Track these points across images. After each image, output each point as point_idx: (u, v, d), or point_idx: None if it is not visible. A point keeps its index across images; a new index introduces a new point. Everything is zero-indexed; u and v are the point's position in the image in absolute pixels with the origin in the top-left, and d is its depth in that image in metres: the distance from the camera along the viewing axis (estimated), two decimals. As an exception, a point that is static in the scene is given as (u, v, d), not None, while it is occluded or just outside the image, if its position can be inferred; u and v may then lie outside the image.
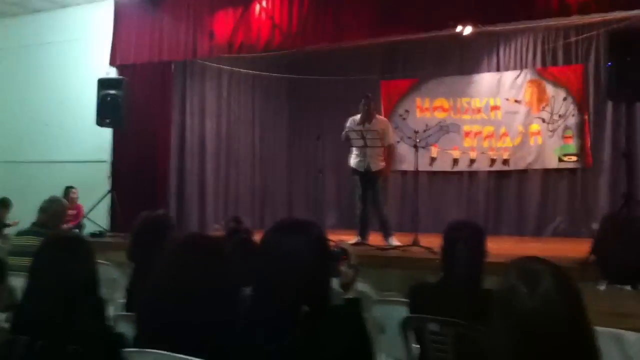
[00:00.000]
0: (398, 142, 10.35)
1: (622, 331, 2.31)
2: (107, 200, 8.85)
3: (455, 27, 8.16)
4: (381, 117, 8.19)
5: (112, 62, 9.31)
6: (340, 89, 10.65)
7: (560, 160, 9.42)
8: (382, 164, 7.72)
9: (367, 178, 7.68)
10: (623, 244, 2.55)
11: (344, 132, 7.71)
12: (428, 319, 2.82)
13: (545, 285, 1.56)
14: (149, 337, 2.19)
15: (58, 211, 5.54)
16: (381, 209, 7.69)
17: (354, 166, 7.79)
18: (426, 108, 10.39)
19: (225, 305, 2.21)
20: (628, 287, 2.48)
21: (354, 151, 7.77)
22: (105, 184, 8.99)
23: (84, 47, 9.72)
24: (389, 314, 3.31)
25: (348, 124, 7.79)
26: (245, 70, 10.20)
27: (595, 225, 7.69)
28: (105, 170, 9.15)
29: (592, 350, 1.59)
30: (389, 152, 7.80)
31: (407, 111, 10.50)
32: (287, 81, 10.92)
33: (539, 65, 9.66)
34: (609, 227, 2.77)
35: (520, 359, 1.55)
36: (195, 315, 2.14)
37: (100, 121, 8.72)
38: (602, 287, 2.55)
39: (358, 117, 7.76)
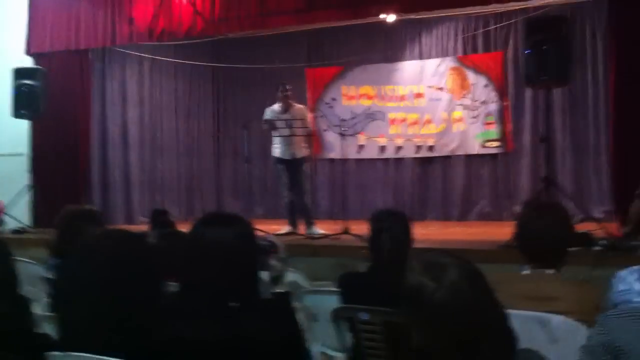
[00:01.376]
0: (325, 130, 10.43)
1: (547, 314, 2.37)
2: (27, 195, 8.51)
3: (379, 14, 8.24)
4: (299, 105, 8.19)
5: (28, 51, 8.96)
6: (266, 77, 10.59)
7: (482, 146, 9.65)
8: (307, 151, 7.86)
9: (293, 165, 7.71)
10: (544, 227, 2.62)
11: (265, 122, 7.67)
12: (358, 309, 2.84)
13: (450, 277, 1.59)
14: (72, 338, 2.12)
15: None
16: (303, 197, 7.74)
17: (278, 155, 7.81)
18: (352, 96, 10.45)
19: (149, 300, 2.16)
20: (551, 271, 2.55)
21: (277, 140, 7.79)
22: (24, 178, 8.66)
23: (-3, 35, 9.31)
24: (320, 303, 3.32)
25: (267, 114, 7.78)
26: (167, 59, 9.99)
27: (517, 209, 7.93)
28: (23, 163, 8.81)
29: (507, 332, 1.64)
30: (311, 139, 7.87)
31: (333, 99, 10.53)
32: (211, 69, 10.77)
33: (460, 53, 9.85)
34: (531, 211, 2.84)
35: (439, 349, 1.58)
36: (118, 312, 2.08)
37: (17, 112, 8.37)
38: (526, 271, 2.61)
39: (276, 106, 7.80)
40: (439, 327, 1.58)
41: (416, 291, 1.62)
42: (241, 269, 2.14)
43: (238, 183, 10.79)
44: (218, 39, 9.43)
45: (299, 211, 7.76)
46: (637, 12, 6.14)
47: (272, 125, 7.60)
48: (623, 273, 2.44)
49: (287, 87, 7.87)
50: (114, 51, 9.36)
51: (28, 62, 8.91)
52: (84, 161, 8.84)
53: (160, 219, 5.51)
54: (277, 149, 7.81)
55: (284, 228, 7.64)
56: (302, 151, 7.77)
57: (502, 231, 5.98)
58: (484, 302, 1.61)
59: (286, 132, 7.59)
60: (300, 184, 7.75)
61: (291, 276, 3.86)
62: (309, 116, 8.17)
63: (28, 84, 8.29)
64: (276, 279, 2.47)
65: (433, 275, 1.60)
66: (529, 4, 8.30)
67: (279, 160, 7.82)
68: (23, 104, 8.30)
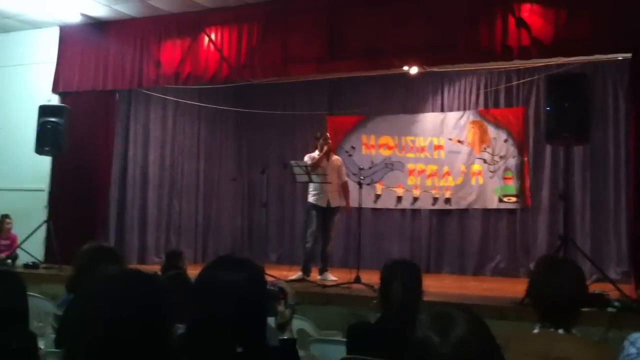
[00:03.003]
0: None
1: (555, 374, 2.32)
2: (42, 231, 8.57)
3: (402, 66, 8.33)
4: (335, 156, 8.39)
5: (55, 89, 9.15)
6: (287, 123, 10.71)
7: (500, 200, 9.61)
8: (340, 200, 7.99)
9: (327, 214, 7.85)
10: (557, 286, 2.58)
11: (304, 167, 7.72)
12: (365, 359, 2.80)
13: (457, 332, 1.56)
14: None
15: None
16: (327, 245, 7.90)
17: (313, 202, 7.92)
18: (372, 145, 10.50)
19: (158, 342, 2.14)
20: (561, 330, 2.50)
21: (313, 187, 7.88)
22: (43, 213, 8.73)
23: (26, 73, 9.51)
24: (327, 353, 3.29)
25: (306, 160, 7.87)
26: (191, 102, 10.14)
27: (532, 266, 7.84)
28: (43, 199, 8.89)
29: None
30: (345, 189, 8.00)
31: (353, 147, 10.58)
32: (233, 113, 10.90)
33: (481, 106, 9.90)
34: (543, 268, 2.80)
35: None
36: (125, 353, 2.07)
37: (40, 149, 8.49)
38: (536, 330, 2.57)
39: (316, 154, 7.86)
40: None
41: (422, 344, 1.60)
42: (249, 314, 2.12)
43: (254, 227, 10.79)
44: (242, 84, 9.57)
45: (320, 257, 7.86)
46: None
47: (308, 170, 7.66)
48: (635, 336, 2.40)
49: (327, 136, 8.06)
50: (140, 92, 9.52)
51: (54, 100, 9.07)
52: (102, 199, 8.89)
53: (173, 261, 5.51)
54: (313, 196, 7.94)
55: (297, 274, 7.64)
56: (336, 200, 7.94)
57: (517, 288, 5.90)
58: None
59: (321, 179, 7.71)
60: (329, 232, 7.92)
61: (299, 324, 3.84)
62: (344, 169, 8.34)
63: (52, 121, 8.41)
64: (283, 326, 2.44)
65: (440, 329, 1.58)
66: (552, 61, 8.36)
67: (314, 207, 7.92)
68: (46, 140, 8.42)
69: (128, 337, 2.07)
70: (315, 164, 7.74)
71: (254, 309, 2.13)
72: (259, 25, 7.88)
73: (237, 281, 2.10)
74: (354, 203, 7.99)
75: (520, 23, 6.58)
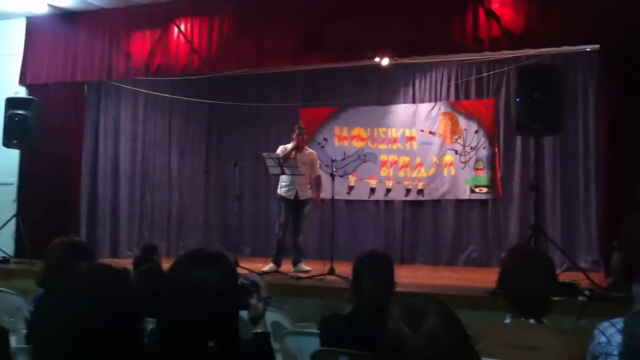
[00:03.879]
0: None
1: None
2: (12, 225, 8.44)
3: (374, 58, 8.34)
4: (310, 149, 8.44)
5: (22, 81, 8.99)
6: (260, 115, 10.67)
7: (472, 191, 9.68)
8: (310, 193, 8.02)
9: (295, 206, 7.91)
10: (527, 275, 2.60)
11: (275, 159, 7.72)
12: (339, 352, 2.81)
13: (428, 324, 1.58)
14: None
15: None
16: (299, 236, 7.94)
17: (283, 194, 7.96)
18: (344, 137, 10.51)
19: (129, 338, 2.12)
20: (532, 320, 2.52)
21: (283, 179, 7.96)
22: (12, 207, 8.60)
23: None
24: (302, 345, 3.29)
25: (279, 151, 7.86)
26: (162, 94, 10.04)
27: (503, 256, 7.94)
28: (12, 193, 8.75)
29: None
30: (317, 183, 8.02)
31: (325, 139, 10.58)
32: (206, 105, 10.81)
33: (452, 98, 9.96)
34: (513, 259, 2.83)
35: None
36: (96, 348, 2.05)
37: (7, 142, 8.36)
38: (507, 320, 2.59)
39: (289, 145, 7.86)
40: None
41: (394, 337, 1.61)
42: (222, 309, 2.12)
43: (227, 220, 10.75)
44: (214, 76, 9.50)
45: (293, 249, 7.90)
46: (627, 64, 6.23)
47: (281, 162, 7.66)
48: (604, 325, 2.43)
49: (301, 129, 8.09)
50: (110, 85, 9.40)
51: (22, 92, 8.93)
52: (73, 193, 8.79)
53: (147, 255, 5.46)
54: (282, 188, 8.02)
55: (268, 265, 7.68)
56: (305, 193, 7.96)
57: (491, 277, 5.89)
58: (460, 351, 1.60)
59: (292, 171, 7.74)
60: (299, 224, 7.96)
61: (273, 316, 3.83)
62: (317, 161, 8.36)
63: (20, 114, 8.28)
64: (256, 319, 2.43)
65: (411, 322, 1.59)
66: (522, 53, 8.43)
67: (282, 199, 8.01)
68: (14, 133, 8.29)
69: (99, 333, 2.05)
70: (285, 156, 7.74)
71: (226, 303, 2.12)
72: (232, 17, 7.81)
73: (209, 276, 2.09)
74: (327, 195, 8.00)
75: (491, 14, 6.63)
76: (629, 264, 5.27)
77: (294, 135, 7.99)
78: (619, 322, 2.43)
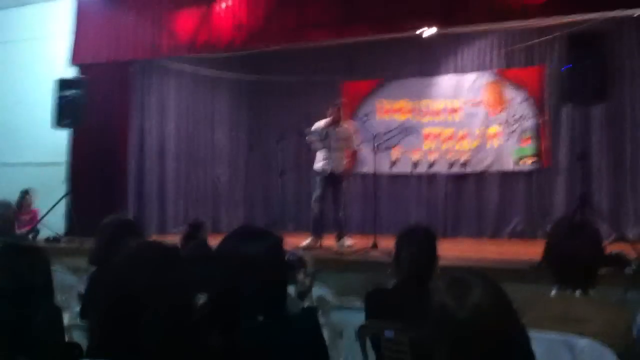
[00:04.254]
0: (358, 145, 10.43)
1: (574, 337, 2.34)
2: (62, 204, 8.66)
3: (417, 28, 8.24)
4: (350, 122, 8.38)
5: (73, 62, 9.14)
6: (303, 90, 10.66)
7: (517, 162, 9.55)
8: (347, 166, 7.98)
9: (331, 180, 7.87)
10: (574, 247, 2.59)
11: (311, 136, 7.75)
12: (383, 326, 2.84)
13: (473, 298, 1.59)
14: (101, 347, 2.16)
15: (6, 216, 5.43)
16: (339, 211, 7.88)
17: (318, 169, 7.94)
18: (387, 110, 10.45)
19: (180, 313, 2.19)
20: (578, 292, 2.51)
21: (321, 154, 7.90)
22: (62, 187, 8.81)
23: (41, 46, 9.55)
24: (347, 319, 3.32)
25: (314, 127, 7.90)
26: (206, 71, 10.11)
27: (548, 228, 7.83)
28: (62, 172, 8.97)
29: (529, 356, 1.64)
30: (353, 157, 7.99)
31: (367, 114, 10.48)
32: (247, 81, 10.86)
33: (499, 67, 9.76)
34: (561, 230, 2.80)
35: None
36: (149, 323, 2.11)
37: (59, 122, 8.54)
38: (553, 292, 2.58)
39: (325, 120, 7.87)
40: (461, 347, 1.59)
41: (439, 311, 1.63)
42: (270, 284, 2.17)
43: (271, 196, 10.84)
44: (256, 52, 9.52)
45: (334, 224, 7.87)
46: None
47: (315, 138, 7.68)
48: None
49: (338, 103, 8.06)
50: (154, 64, 9.51)
51: (71, 73, 9.09)
52: (121, 171, 8.96)
53: (194, 232, 5.55)
54: (318, 163, 7.99)
55: (307, 240, 7.71)
56: (342, 166, 7.91)
57: (536, 250, 5.86)
58: (506, 325, 1.61)
59: (327, 145, 7.72)
60: (337, 199, 7.90)
61: (319, 291, 3.87)
62: (357, 135, 8.28)
63: (70, 95, 8.45)
64: (303, 294, 2.48)
65: (456, 295, 1.61)
66: (571, 19, 8.20)
67: (318, 174, 7.98)
68: (65, 113, 8.47)
69: (151, 308, 2.12)
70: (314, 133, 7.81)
71: (273, 278, 2.17)
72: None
73: (257, 252, 2.14)
74: (370, 169, 7.98)
75: (539, -20, 6.47)
76: None
77: (329, 111, 7.97)
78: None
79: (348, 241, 7.73)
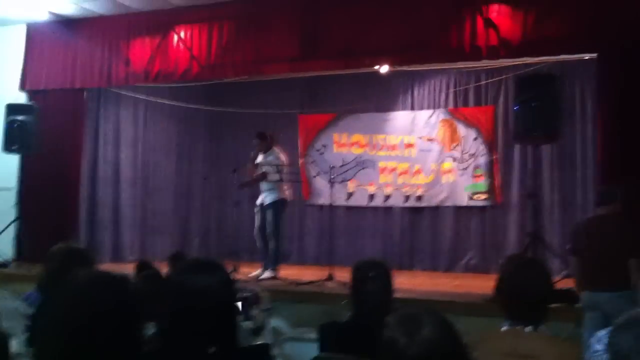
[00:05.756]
0: (315, 176, 10.49)
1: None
2: (12, 230, 8.47)
3: (373, 65, 8.38)
4: (274, 150, 8.33)
5: (22, 87, 9.04)
6: (259, 122, 10.67)
7: (470, 198, 9.70)
8: (273, 196, 8.03)
9: (263, 211, 8.05)
10: (524, 282, 2.62)
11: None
12: (337, 358, 2.83)
13: (424, 333, 1.59)
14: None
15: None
16: (267, 243, 8.03)
17: (289, 198, 8.06)
18: (343, 143, 10.53)
19: (130, 342, 2.14)
20: (529, 328, 2.54)
21: (285, 185, 7.95)
22: (11, 212, 8.62)
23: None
24: (301, 351, 3.30)
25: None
26: (161, 101, 10.07)
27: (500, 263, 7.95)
28: (12, 198, 8.78)
29: None
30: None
31: (324, 146, 10.60)
32: (205, 112, 10.83)
33: (451, 105, 9.98)
34: (512, 266, 2.85)
35: None
36: (98, 353, 2.06)
37: (8, 147, 8.39)
38: (504, 327, 2.61)
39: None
40: None
41: (390, 346, 1.63)
42: (221, 316, 2.14)
43: (226, 226, 10.76)
44: (213, 83, 9.53)
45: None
46: (625, 74, 6.26)
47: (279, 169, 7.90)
48: (601, 333, 2.44)
49: (254, 140, 8.20)
50: (109, 91, 9.44)
51: (22, 98, 8.96)
52: (73, 198, 8.81)
53: (143, 260, 5.46)
54: (288, 192, 8.14)
55: (258, 271, 7.71)
56: (267, 198, 7.96)
57: (489, 284, 5.88)
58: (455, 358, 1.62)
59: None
60: (262, 229, 8.00)
61: (273, 322, 3.84)
62: (282, 156, 8.18)
63: (20, 120, 8.34)
64: (258, 330, 2.46)
65: (407, 331, 1.61)
66: (520, 61, 8.45)
67: (285, 202, 8.10)
68: (14, 139, 8.34)
69: (100, 338, 2.07)
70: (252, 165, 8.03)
71: (225, 311, 2.15)
72: (231, 24, 7.88)
73: (209, 285, 2.12)
74: (326, 201, 7.98)
75: (489, 24, 6.67)
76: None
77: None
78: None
79: (266, 273, 7.70)
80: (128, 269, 4.82)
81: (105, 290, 2.19)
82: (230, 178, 8.72)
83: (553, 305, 2.75)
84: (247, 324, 2.37)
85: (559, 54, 7.35)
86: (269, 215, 7.84)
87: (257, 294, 2.42)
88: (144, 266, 4.94)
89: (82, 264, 3.36)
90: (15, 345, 3.27)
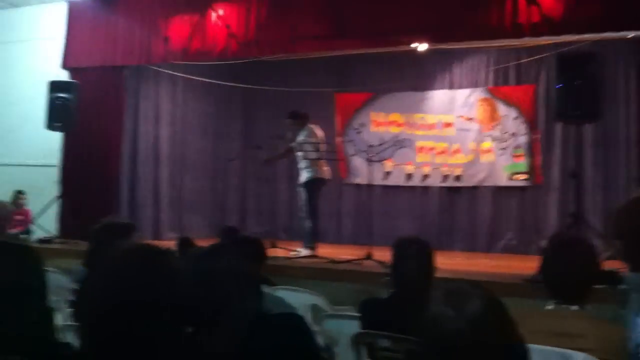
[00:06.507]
0: (352, 155, 10.46)
1: (570, 351, 2.33)
2: (56, 206, 8.63)
3: (410, 43, 8.28)
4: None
5: (64, 65, 9.15)
6: (296, 100, 10.65)
7: (510, 178, 9.58)
8: (307, 175, 7.89)
9: (298, 191, 8.01)
10: (570, 263, 2.59)
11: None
12: (379, 335, 2.83)
13: (471, 308, 1.57)
14: (92, 350, 2.13)
15: (2, 216, 5.41)
16: (303, 221, 7.95)
17: (327, 176, 7.92)
18: (381, 122, 10.47)
19: (170, 318, 2.16)
20: (575, 307, 2.51)
21: (322, 162, 7.84)
22: (54, 189, 8.78)
23: (34, 49, 9.52)
24: (341, 328, 3.31)
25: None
26: (199, 78, 10.11)
27: (544, 243, 7.84)
28: (54, 175, 8.94)
29: None
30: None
31: (362, 125, 10.56)
32: (241, 90, 10.84)
33: (490, 84, 9.84)
34: (556, 246, 2.80)
35: None
36: (137, 329, 2.09)
37: (51, 125, 8.53)
38: (550, 307, 2.58)
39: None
40: (458, 357, 1.57)
41: (436, 320, 1.61)
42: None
43: (264, 203, 10.82)
44: (250, 61, 9.52)
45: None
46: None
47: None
48: (647, 314, 2.41)
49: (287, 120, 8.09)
50: (148, 69, 9.50)
51: (64, 76, 9.07)
52: (114, 175, 8.94)
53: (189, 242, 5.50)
54: (325, 169, 7.96)
55: (306, 251, 7.69)
56: (302, 176, 7.87)
57: (528, 265, 5.91)
58: (505, 336, 1.60)
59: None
60: (301, 207, 7.93)
61: (312, 299, 3.86)
62: (318, 132, 7.99)
63: (62, 97, 8.45)
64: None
65: (454, 305, 1.59)
66: (562, 39, 8.26)
67: (324, 182, 8.01)
68: (57, 116, 8.46)
69: (143, 311, 2.09)
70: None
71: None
72: (268, 2, 7.84)
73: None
74: (363, 180, 7.94)
75: (531, 0, 6.52)
76: None
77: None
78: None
79: (303, 252, 7.63)
80: (169, 246, 4.87)
81: (148, 263, 2.21)
82: (263, 156, 8.73)
83: (597, 287, 2.70)
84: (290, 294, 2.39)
85: (601, 32, 7.17)
86: (304, 193, 7.81)
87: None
88: (185, 243, 5.00)
89: (123, 237, 3.41)
90: (61, 319, 3.35)
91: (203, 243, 4.91)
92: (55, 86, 8.59)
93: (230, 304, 2.04)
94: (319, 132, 7.96)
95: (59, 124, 8.51)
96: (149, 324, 2.07)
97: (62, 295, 3.91)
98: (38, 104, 8.70)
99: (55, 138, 8.91)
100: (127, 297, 2.08)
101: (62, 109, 8.44)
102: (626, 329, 2.55)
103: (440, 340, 1.60)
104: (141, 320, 2.06)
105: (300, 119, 7.94)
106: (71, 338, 2.54)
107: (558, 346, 2.36)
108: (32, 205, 8.70)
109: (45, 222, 8.44)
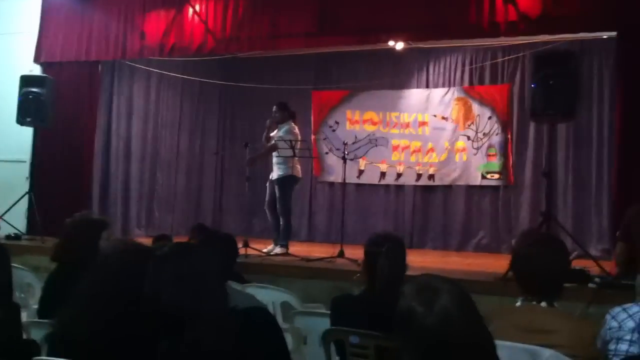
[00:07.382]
0: (327, 153, 10.46)
1: (538, 347, 2.35)
2: (24, 202, 8.49)
3: (388, 41, 8.30)
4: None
5: (37, 59, 8.99)
6: (272, 97, 10.61)
7: (483, 177, 9.65)
8: (279, 172, 7.80)
9: (271, 187, 7.88)
10: (541, 259, 2.60)
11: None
12: (349, 332, 2.82)
13: (442, 303, 1.58)
14: (67, 347, 2.10)
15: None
16: (278, 218, 7.84)
17: (298, 175, 7.85)
18: (356, 120, 10.49)
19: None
20: (544, 304, 2.53)
21: (295, 160, 7.73)
22: (25, 185, 8.65)
23: (8, 43, 9.35)
24: (312, 325, 3.30)
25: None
26: (175, 75, 10.04)
27: (514, 241, 7.91)
28: (25, 170, 8.80)
29: None
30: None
31: (337, 122, 10.56)
32: (218, 86, 10.80)
33: (466, 83, 9.90)
34: (526, 243, 2.82)
35: None
36: (122, 322, 2.06)
37: (22, 120, 8.38)
38: (518, 303, 2.59)
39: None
40: (429, 352, 1.57)
41: (407, 315, 1.61)
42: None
43: (239, 201, 10.77)
44: (227, 58, 9.48)
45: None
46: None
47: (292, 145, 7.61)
48: (616, 310, 2.43)
49: (274, 108, 7.91)
50: (123, 64, 9.41)
51: (36, 70, 8.94)
52: (85, 171, 8.82)
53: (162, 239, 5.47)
54: (298, 168, 7.88)
55: (280, 249, 7.64)
56: (275, 172, 7.78)
57: (500, 263, 5.96)
58: (474, 330, 1.60)
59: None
60: (269, 203, 7.88)
61: (283, 297, 3.85)
62: (295, 131, 7.85)
63: (35, 92, 8.30)
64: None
65: (424, 300, 1.59)
66: (538, 39, 8.34)
67: (297, 180, 7.96)
68: (28, 111, 8.31)
69: (132, 307, 2.06)
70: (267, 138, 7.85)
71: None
72: (247, -2, 7.81)
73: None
74: (337, 178, 7.93)
75: (508, -1, 6.57)
76: (632, 255, 5.21)
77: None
78: (631, 308, 2.43)
79: (277, 249, 7.56)
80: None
81: (134, 259, 2.18)
82: (242, 153, 8.68)
83: (566, 285, 2.72)
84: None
85: (578, 32, 7.27)
86: (277, 191, 7.77)
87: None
88: (162, 240, 4.96)
89: (98, 234, 3.36)
90: (27, 316, 3.30)
91: (176, 241, 4.89)
92: (27, 80, 8.43)
93: (200, 303, 2.02)
94: (297, 131, 7.94)
95: (30, 119, 8.36)
96: (134, 320, 2.05)
97: (29, 293, 3.86)
98: (10, 98, 8.53)
99: (27, 133, 8.76)
100: (122, 293, 2.06)
101: (34, 103, 8.29)
102: (595, 325, 2.57)
103: (411, 336, 1.59)
104: (128, 316, 2.04)
105: (285, 112, 7.86)
106: (36, 334, 2.51)
107: (528, 341, 2.37)
108: (1, 201, 8.54)
109: (14, 219, 8.28)
